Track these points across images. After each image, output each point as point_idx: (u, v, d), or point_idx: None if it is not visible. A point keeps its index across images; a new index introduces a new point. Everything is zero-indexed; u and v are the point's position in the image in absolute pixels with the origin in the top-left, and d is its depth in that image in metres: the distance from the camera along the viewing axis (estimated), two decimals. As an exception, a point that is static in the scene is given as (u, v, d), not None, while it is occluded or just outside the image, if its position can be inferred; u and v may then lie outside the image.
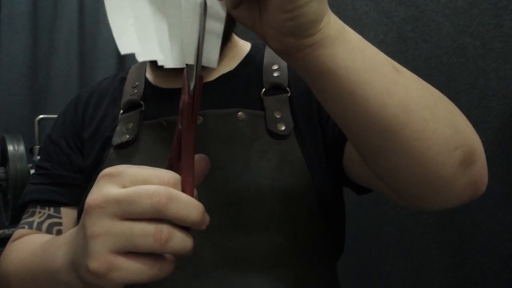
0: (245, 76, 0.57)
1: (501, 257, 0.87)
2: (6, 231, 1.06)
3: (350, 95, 0.35)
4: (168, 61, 0.37)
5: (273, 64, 0.58)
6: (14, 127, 1.39)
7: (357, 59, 0.34)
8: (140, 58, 0.36)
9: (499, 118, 0.87)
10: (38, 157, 0.86)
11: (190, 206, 0.31)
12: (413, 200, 0.41)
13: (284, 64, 0.58)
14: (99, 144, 0.56)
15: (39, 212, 0.57)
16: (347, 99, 0.35)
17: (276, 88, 0.55)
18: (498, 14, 0.85)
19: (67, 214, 0.57)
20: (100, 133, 0.57)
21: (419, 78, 0.38)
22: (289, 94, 0.54)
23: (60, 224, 0.55)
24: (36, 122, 1.30)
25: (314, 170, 0.52)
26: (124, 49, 0.37)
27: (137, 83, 0.60)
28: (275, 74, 0.56)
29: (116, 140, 0.53)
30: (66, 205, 0.57)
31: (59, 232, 0.55)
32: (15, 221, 0.90)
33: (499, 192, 0.86)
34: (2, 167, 0.90)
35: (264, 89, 0.55)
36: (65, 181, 0.58)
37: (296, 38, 0.33)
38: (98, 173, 0.51)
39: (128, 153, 0.52)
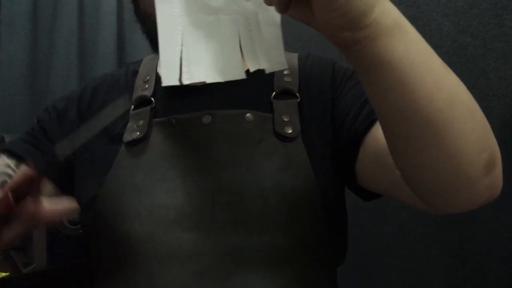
0: (257, 80, 0.57)
1: (501, 257, 0.86)
2: (6, 231, 1.06)
3: (401, 87, 0.35)
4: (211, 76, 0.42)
5: (284, 69, 0.59)
6: (14, 127, 1.39)
7: (413, 51, 0.35)
8: (185, 81, 0.41)
9: (499, 118, 0.87)
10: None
11: None
12: (433, 201, 0.42)
13: (295, 69, 0.59)
14: (107, 138, 0.56)
15: (2, 159, 0.57)
16: (398, 91, 0.35)
17: (286, 93, 0.56)
18: (498, 14, 0.85)
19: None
20: (110, 127, 0.57)
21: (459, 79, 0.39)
22: (298, 100, 0.55)
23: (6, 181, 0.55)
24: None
25: (320, 174, 0.52)
26: (167, 81, 0.40)
27: (148, 78, 0.60)
28: (286, 79, 0.57)
29: (127, 137, 0.54)
30: (25, 162, 0.56)
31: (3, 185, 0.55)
32: (14, 221, 0.90)
33: (500, 192, 0.86)
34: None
35: (274, 93, 0.55)
36: (43, 148, 0.59)
37: (351, 32, 0.33)
38: (110, 167, 0.53)
39: (138, 151, 0.53)
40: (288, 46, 0.66)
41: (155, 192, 0.50)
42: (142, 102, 0.57)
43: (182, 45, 0.43)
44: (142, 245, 0.49)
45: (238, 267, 0.48)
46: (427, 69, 0.36)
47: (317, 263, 0.53)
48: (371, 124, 0.50)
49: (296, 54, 0.62)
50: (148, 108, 0.56)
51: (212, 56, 0.42)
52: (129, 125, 0.55)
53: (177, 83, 0.42)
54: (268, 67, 0.45)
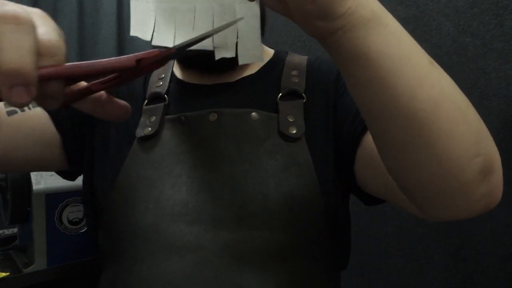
0: (264, 81, 0.59)
1: (501, 257, 0.86)
2: (6, 231, 1.06)
3: (380, 83, 0.34)
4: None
5: (292, 70, 0.59)
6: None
7: (392, 45, 0.33)
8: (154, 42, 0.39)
9: (500, 118, 0.87)
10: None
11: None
12: (427, 207, 0.40)
13: (303, 71, 0.59)
14: (122, 133, 0.57)
15: None
16: (377, 86, 0.34)
17: (292, 94, 0.56)
18: (499, 14, 0.85)
19: (36, 112, 0.55)
20: (125, 121, 0.58)
21: (452, 80, 0.37)
22: (304, 100, 0.55)
23: (16, 112, 0.54)
24: (36, 122, 1.30)
25: (322, 175, 0.52)
26: (135, 32, 0.39)
27: (163, 75, 0.62)
28: (293, 80, 0.58)
29: (140, 132, 0.55)
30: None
31: (11, 113, 0.53)
32: (14, 221, 0.90)
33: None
34: (1, 167, 0.90)
35: (280, 94, 0.56)
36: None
37: (324, 21, 0.32)
38: (124, 160, 0.54)
39: (149, 146, 0.54)
40: (288, 46, 0.66)
41: (162, 186, 0.52)
42: (155, 98, 0.58)
43: (154, 31, 0.44)
44: (147, 236, 0.50)
45: (236, 261, 0.49)
46: (409, 64, 0.34)
47: (317, 265, 0.53)
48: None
49: (306, 57, 0.63)
50: (161, 104, 0.57)
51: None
52: (141, 120, 0.57)
53: (146, 38, 0.41)
54: (241, 59, 0.45)
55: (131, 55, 0.29)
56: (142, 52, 0.29)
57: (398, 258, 1.02)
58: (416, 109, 0.34)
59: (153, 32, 0.45)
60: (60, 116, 0.57)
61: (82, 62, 0.29)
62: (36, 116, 0.55)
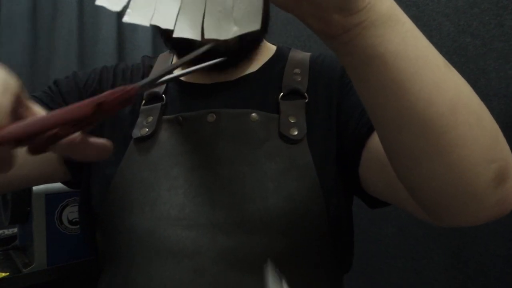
0: (265, 79, 0.57)
1: (501, 257, 0.86)
2: (6, 231, 1.06)
3: (395, 86, 0.31)
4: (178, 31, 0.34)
5: (295, 68, 0.57)
6: (14, 127, 1.39)
7: (410, 45, 0.31)
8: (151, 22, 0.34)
9: (500, 118, 0.87)
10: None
11: None
12: (439, 214, 0.39)
13: (305, 68, 0.57)
14: (118, 133, 0.56)
15: None
16: (392, 90, 0.31)
17: (294, 93, 0.54)
18: (498, 14, 0.85)
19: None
20: (120, 121, 0.57)
21: (466, 81, 0.35)
22: (306, 100, 0.54)
23: None
24: (36, 122, 1.30)
25: (324, 178, 0.51)
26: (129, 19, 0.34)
27: None
28: (296, 79, 0.56)
29: (136, 133, 0.54)
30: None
31: None
32: (14, 221, 0.90)
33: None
34: (1, 167, 0.90)
35: (282, 93, 0.54)
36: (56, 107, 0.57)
37: (342, 15, 0.29)
38: (120, 161, 0.52)
39: (146, 147, 0.53)
40: (288, 46, 0.66)
41: (159, 189, 0.51)
42: (153, 98, 0.57)
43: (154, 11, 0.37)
44: (143, 240, 0.49)
45: (233, 267, 0.47)
46: (426, 66, 0.31)
47: (318, 269, 0.52)
48: (373, 127, 0.48)
49: (308, 54, 0.61)
50: (158, 104, 0.56)
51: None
52: (138, 120, 0.56)
53: (146, 23, 0.36)
54: (239, 28, 0.36)
55: (90, 100, 0.26)
56: (101, 95, 0.27)
57: (398, 259, 1.02)
58: (433, 115, 0.31)
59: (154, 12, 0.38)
60: None
61: (30, 119, 0.26)
62: None
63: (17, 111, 0.28)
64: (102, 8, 1.82)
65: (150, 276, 0.48)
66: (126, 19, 0.35)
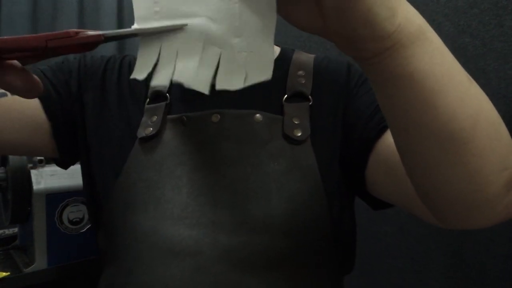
0: (269, 81, 0.57)
1: (501, 257, 0.86)
2: (6, 231, 1.06)
3: (420, 103, 0.31)
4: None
5: (299, 70, 0.57)
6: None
7: (437, 63, 0.31)
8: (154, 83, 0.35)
9: (499, 118, 0.87)
10: (38, 158, 0.87)
11: None
12: (449, 218, 0.40)
13: (309, 71, 0.57)
14: (123, 131, 0.56)
15: None
16: (418, 107, 0.32)
17: (298, 95, 0.55)
18: (498, 14, 0.85)
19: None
20: (125, 120, 0.57)
21: (485, 94, 0.35)
22: (310, 103, 0.54)
23: (6, 95, 0.53)
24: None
25: (328, 179, 0.51)
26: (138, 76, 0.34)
27: None
28: (300, 81, 0.56)
29: (141, 132, 0.54)
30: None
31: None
32: (15, 221, 0.90)
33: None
34: (2, 167, 0.90)
35: (286, 96, 0.55)
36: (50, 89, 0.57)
37: (373, 43, 0.29)
38: (125, 160, 0.53)
39: (150, 147, 0.53)
40: (288, 46, 0.66)
41: (163, 188, 0.51)
42: (157, 97, 0.57)
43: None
44: (146, 239, 0.50)
45: (235, 267, 0.48)
46: (451, 83, 0.32)
47: (320, 271, 0.52)
48: (382, 131, 0.49)
49: (313, 56, 0.61)
50: (163, 104, 0.56)
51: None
52: (143, 119, 0.56)
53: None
54: (249, 79, 0.34)
55: (41, 34, 0.27)
56: (57, 32, 0.28)
57: (398, 258, 1.02)
58: (455, 129, 0.32)
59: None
60: (51, 102, 0.56)
61: None
62: (26, 101, 0.54)
63: None
64: (102, 8, 1.81)
65: (151, 274, 0.49)
66: (152, 84, 0.36)
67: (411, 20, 0.30)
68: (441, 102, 0.31)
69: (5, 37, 0.27)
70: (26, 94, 0.31)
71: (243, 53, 0.33)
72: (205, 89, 0.33)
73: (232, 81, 0.33)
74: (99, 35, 0.29)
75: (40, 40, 0.27)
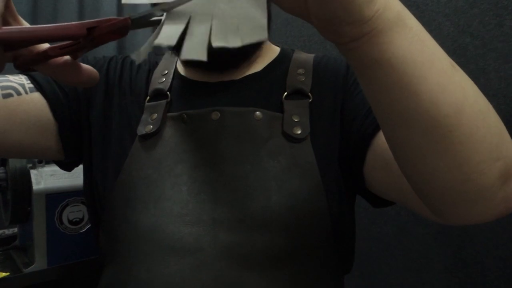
0: (269, 79, 0.58)
1: (501, 257, 0.86)
2: (6, 231, 1.06)
3: (401, 89, 0.32)
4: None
5: (298, 68, 0.58)
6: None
7: (416, 49, 0.31)
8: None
9: (500, 118, 0.87)
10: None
11: None
12: (445, 212, 0.39)
13: (309, 69, 0.58)
14: (123, 129, 0.56)
15: (20, 78, 0.55)
16: (398, 93, 0.32)
17: (298, 93, 0.55)
18: (498, 14, 0.85)
19: (33, 97, 0.54)
20: (126, 117, 0.57)
21: (472, 82, 0.35)
22: (310, 100, 0.54)
23: (12, 95, 0.53)
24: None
25: (327, 177, 0.51)
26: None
27: (166, 72, 0.61)
28: (299, 79, 0.56)
29: (141, 130, 0.55)
30: (42, 91, 0.55)
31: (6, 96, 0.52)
32: (15, 221, 0.90)
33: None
34: (1, 167, 0.90)
35: (286, 93, 0.55)
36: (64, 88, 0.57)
37: (351, 27, 0.30)
38: (125, 157, 0.53)
39: (150, 144, 0.54)
40: (288, 46, 0.66)
41: (163, 186, 0.51)
42: (158, 94, 0.58)
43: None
44: (146, 236, 0.50)
45: (235, 264, 0.48)
46: (432, 69, 0.32)
47: (319, 269, 0.52)
48: (379, 127, 0.49)
49: (312, 55, 0.62)
50: (163, 102, 0.56)
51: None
52: (143, 117, 0.56)
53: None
54: (245, 38, 0.34)
55: (82, 22, 0.27)
56: (94, 20, 0.28)
57: (398, 258, 1.02)
58: (439, 115, 0.32)
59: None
60: (58, 103, 0.56)
61: (24, 27, 0.27)
62: (33, 101, 0.54)
63: (6, 19, 0.29)
64: (102, 8, 1.81)
65: (152, 272, 0.49)
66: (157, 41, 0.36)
67: (390, 6, 0.30)
68: (422, 88, 0.32)
69: (47, 25, 0.27)
70: (84, 85, 0.33)
71: (235, 19, 0.33)
72: (200, 56, 0.32)
73: (228, 39, 0.32)
74: (126, 18, 0.29)
75: (81, 28, 0.27)
